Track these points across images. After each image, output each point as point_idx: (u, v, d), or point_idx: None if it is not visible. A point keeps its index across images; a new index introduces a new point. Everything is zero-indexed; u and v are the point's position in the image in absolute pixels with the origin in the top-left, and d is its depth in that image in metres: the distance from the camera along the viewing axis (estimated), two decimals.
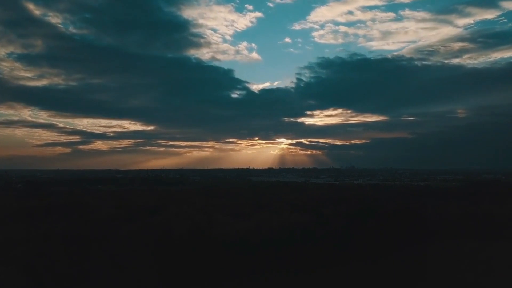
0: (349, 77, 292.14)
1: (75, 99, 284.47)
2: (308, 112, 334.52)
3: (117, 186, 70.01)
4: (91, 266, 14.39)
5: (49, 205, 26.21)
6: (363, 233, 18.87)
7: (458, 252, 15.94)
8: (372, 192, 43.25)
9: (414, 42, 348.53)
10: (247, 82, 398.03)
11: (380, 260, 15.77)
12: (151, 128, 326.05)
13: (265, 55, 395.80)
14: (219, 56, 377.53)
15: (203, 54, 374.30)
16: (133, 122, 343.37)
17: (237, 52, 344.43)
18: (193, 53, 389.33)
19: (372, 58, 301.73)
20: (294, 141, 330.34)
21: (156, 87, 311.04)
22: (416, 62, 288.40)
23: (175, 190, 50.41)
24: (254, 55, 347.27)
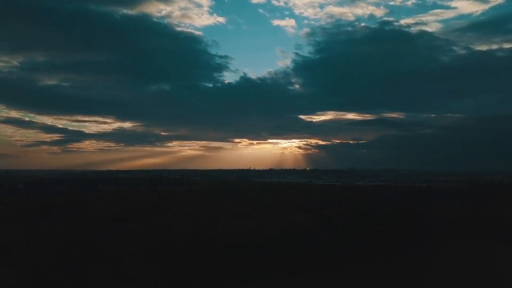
0: (359, 52, 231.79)
1: (22, 84, 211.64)
2: (307, 102, 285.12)
3: (119, 186, 70.03)
4: (92, 268, 14.32)
5: (50, 205, 26.14)
6: (365, 234, 18.75)
7: (462, 254, 15.85)
8: (374, 193, 43.20)
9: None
10: (232, 58, 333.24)
11: (382, 262, 15.68)
12: (128, 125, 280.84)
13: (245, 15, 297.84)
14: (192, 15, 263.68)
15: (172, 13, 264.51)
16: (106, 117, 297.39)
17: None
18: (157, 8, 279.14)
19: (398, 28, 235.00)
20: (295, 141, 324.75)
21: (117, 65, 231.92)
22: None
23: (176, 191, 50.42)
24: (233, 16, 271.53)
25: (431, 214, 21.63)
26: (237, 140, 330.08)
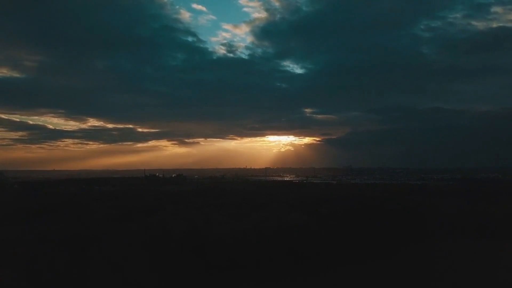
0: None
1: None
2: (301, 91, 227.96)
3: (116, 186, 69.64)
4: (90, 268, 14.26)
5: (46, 206, 26.02)
6: (363, 233, 18.79)
7: (461, 252, 15.99)
8: (371, 191, 43.31)
9: None
10: (207, 13, 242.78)
11: (381, 261, 15.79)
12: (94, 121, 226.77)
13: None
14: None
15: None
16: (59, 110, 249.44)
17: None
18: None
19: None
20: (292, 137, 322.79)
21: (45, 28, 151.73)
22: None
23: (173, 190, 50.29)
24: None
25: (429, 212, 21.73)
26: (231, 136, 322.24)
